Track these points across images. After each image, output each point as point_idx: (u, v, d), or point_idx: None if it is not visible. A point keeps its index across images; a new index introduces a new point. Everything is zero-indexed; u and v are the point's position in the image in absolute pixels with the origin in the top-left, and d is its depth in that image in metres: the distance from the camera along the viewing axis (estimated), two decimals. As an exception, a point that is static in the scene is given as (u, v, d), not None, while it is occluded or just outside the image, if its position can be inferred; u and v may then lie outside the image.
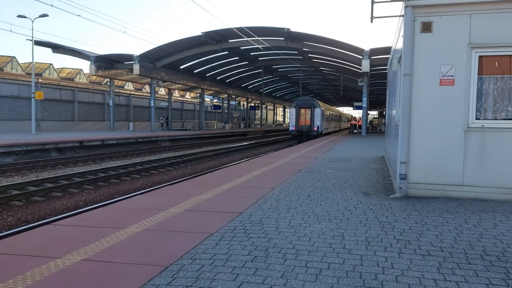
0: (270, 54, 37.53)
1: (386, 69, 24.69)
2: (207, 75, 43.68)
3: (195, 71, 41.36)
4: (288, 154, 14.34)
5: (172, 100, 48.11)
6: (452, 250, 3.78)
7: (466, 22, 6.02)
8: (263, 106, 69.10)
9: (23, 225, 7.59)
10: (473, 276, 3.15)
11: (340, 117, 50.92)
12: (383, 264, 3.41)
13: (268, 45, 32.15)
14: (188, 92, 62.96)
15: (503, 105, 6.06)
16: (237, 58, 39.18)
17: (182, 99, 60.28)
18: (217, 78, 46.17)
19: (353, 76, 39.36)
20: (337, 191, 6.87)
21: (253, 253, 3.67)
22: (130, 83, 56.97)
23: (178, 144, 28.63)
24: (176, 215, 5.08)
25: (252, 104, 64.06)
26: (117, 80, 39.90)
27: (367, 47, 30.52)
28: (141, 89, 60.63)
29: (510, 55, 5.96)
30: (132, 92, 49.44)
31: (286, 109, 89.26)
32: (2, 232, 6.96)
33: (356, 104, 37.57)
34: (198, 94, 50.05)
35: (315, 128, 30.52)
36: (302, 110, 31.01)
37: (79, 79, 57.34)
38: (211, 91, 49.53)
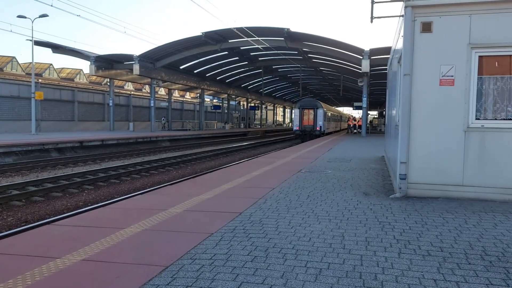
0: (270, 54, 37.55)
1: (386, 69, 24.69)
2: (207, 75, 43.68)
3: (195, 71, 41.36)
4: (288, 154, 14.34)
5: (172, 100, 48.12)
6: (452, 250, 3.78)
7: (466, 22, 6.03)
8: (263, 106, 69.08)
9: (23, 225, 7.59)
10: (473, 276, 3.15)
11: (340, 117, 52.41)
12: (383, 264, 3.41)
13: (268, 45, 32.16)
14: (188, 92, 62.98)
15: (503, 105, 6.06)
16: (237, 58, 39.18)
17: (182, 99, 60.28)
18: (217, 78, 46.17)
19: (353, 76, 39.37)
20: (337, 191, 6.87)
21: (253, 253, 3.67)
22: (130, 83, 56.97)
23: (178, 144, 28.64)
24: (176, 215, 5.08)
25: (252, 104, 64.07)
26: (117, 80, 39.89)
27: (367, 47, 30.59)
28: (141, 89, 60.64)
29: (510, 55, 5.96)
30: (132, 92, 49.45)
31: (286, 109, 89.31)
32: (2, 232, 6.96)
33: (356, 104, 37.59)
34: (198, 94, 50.06)
35: (318, 128, 32.01)
36: (306, 111, 32.58)
37: (79, 79, 57.35)
38: (211, 91, 49.54)
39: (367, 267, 3.33)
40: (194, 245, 3.89)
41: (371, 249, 3.79)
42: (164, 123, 44.16)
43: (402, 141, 6.34)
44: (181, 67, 38.96)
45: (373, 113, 64.36)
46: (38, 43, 31.80)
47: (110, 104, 36.74)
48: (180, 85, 43.02)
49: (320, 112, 32.23)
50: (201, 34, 30.45)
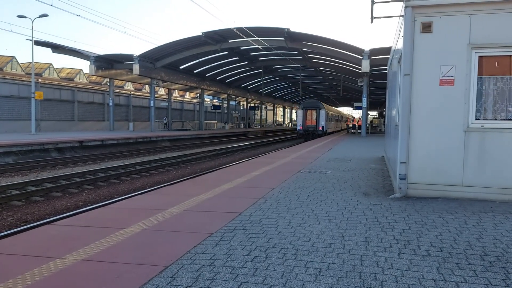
0: (270, 54, 37.56)
1: (386, 69, 24.70)
2: (207, 75, 43.68)
3: (195, 71, 41.36)
4: (287, 154, 14.35)
5: (172, 100, 48.12)
6: (451, 251, 3.78)
7: (466, 22, 6.03)
8: (263, 106, 69.08)
9: (23, 225, 7.59)
10: (472, 277, 3.15)
11: (341, 117, 53.71)
12: (383, 264, 3.41)
13: (268, 45, 32.17)
14: (188, 92, 62.98)
15: (503, 106, 6.07)
16: (237, 58, 39.19)
17: (182, 99, 60.28)
18: (217, 78, 46.17)
19: (353, 76, 39.39)
20: (337, 192, 6.87)
21: (252, 253, 3.67)
22: (130, 83, 56.96)
23: (177, 144, 28.63)
24: (176, 215, 5.08)
25: (252, 104, 64.07)
26: (117, 80, 39.89)
27: (367, 47, 30.59)
28: (141, 89, 60.63)
29: (510, 55, 5.96)
30: (132, 92, 49.44)
31: (286, 109, 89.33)
32: (2, 232, 6.95)
33: (356, 104, 37.62)
34: (198, 94, 50.06)
35: (320, 128, 33.91)
36: (309, 112, 34.52)
37: (79, 79, 57.34)
38: (211, 91, 49.54)
39: (367, 267, 3.33)
40: (194, 245, 3.89)
41: (371, 249, 3.79)
42: (166, 123, 44.20)
43: (402, 141, 6.34)
44: (181, 67, 38.96)
45: (373, 113, 64.39)
46: (38, 43, 31.81)
47: (110, 104, 36.73)
48: (180, 85, 43.02)
49: (322, 112, 34.01)
50: (201, 34, 30.46)
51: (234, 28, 28.58)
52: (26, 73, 45.11)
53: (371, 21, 14.24)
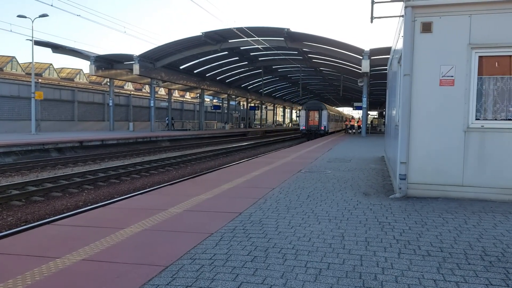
0: (270, 54, 37.56)
1: (386, 69, 24.70)
2: (207, 75, 43.67)
3: (195, 71, 41.36)
4: (288, 154, 14.35)
5: (172, 100, 48.12)
6: (451, 251, 3.78)
7: (466, 22, 6.03)
8: (263, 106, 69.08)
9: (23, 225, 7.59)
10: (472, 277, 3.15)
11: (342, 117, 55.64)
12: (383, 264, 3.41)
13: (268, 45, 32.17)
14: (188, 92, 62.98)
15: (503, 106, 6.07)
16: (237, 58, 39.18)
17: (182, 99, 60.27)
18: (217, 78, 46.16)
19: (353, 76, 39.39)
20: (337, 192, 6.87)
21: (253, 253, 3.67)
22: (130, 83, 56.96)
23: (178, 144, 28.64)
24: (176, 215, 5.09)
25: (252, 104, 64.06)
26: (117, 80, 39.87)
27: (367, 47, 30.61)
28: (141, 89, 60.63)
29: (510, 56, 5.96)
30: (132, 92, 49.44)
31: (286, 109, 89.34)
32: (2, 232, 6.95)
33: (356, 104, 37.67)
34: (198, 94, 50.06)
35: (322, 128, 35.52)
36: (311, 112, 36.14)
37: (79, 79, 57.34)
38: (211, 91, 49.54)
39: (367, 267, 3.33)
40: (194, 245, 3.89)
41: (371, 249, 3.79)
42: (168, 123, 44.30)
43: (402, 141, 6.34)
44: (181, 67, 38.95)
45: (373, 113, 64.38)
46: (38, 43, 31.81)
47: (110, 104, 36.73)
48: (180, 85, 43.01)
49: (324, 113, 35.59)
50: (201, 34, 30.45)
51: (234, 28, 28.58)
52: (26, 73, 45.12)
53: (371, 21, 14.25)
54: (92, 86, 45.97)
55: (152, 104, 36.83)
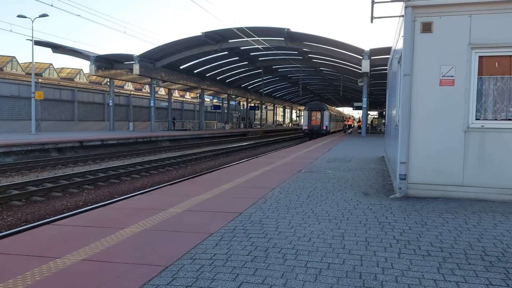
0: (270, 54, 37.58)
1: (386, 69, 24.70)
2: (207, 75, 43.67)
3: (195, 71, 41.35)
4: (288, 154, 14.35)
5: (172, 100, 48.11)
6: (452, 251, 3.78)
7: (466, 22, 6.03)
8: (263, 106, 69.07)
9: (23, 225, 7.59)
10: (473, 277, 3.15)
11: (342, 117, 56.73)
12: (383, 264, 3.41)
13: (268, 45, 32.17)
14: (188, 92, 62.97)
15: (503, 106, 6.06)
16: (237, 58, 39.18)
17: (182, 99, 60.26)
18: (217, 78, 46.16)
19: (353, 76, 39.40)
20: (337, 192, 6.87)
21: (253, 253, 3.67)
22: (130, 83, 56.97)
23: (178, 144, 28.63)
24: (176, 215, 5.08)
25: (252, 104, 64.06)
26: (117, 80, 39.88)
27: (367, 47, 30.62)
28: (141, 89, 60.62)
29: (510, 56, 5.96)
30: (132, 92, 49.42)
31: (286, 109, 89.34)
32: (2, 232, 6.95)
33: (356, 104, 37.74)
34: (198, 94, 50.06)
35: (324, 128, 36.94)
36: (313, 113, 37.53)
37: (79, 79, 57.34)
38: (211, 91, 49.54)
39: (367, 267, 3.33)
40: (194, 245, 3.89)
41: (371, 249, 3.79)
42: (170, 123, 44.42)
43: (402, 141, 6.34)
44: (181, 67, 38.95)
45: (373, 113, 64.38)
46: (38, 43, 31.80)
47: (110, 104, 36.73)
48: (180, 85, 43.01)
49: (326, 113, 37.04)
50: (201, 34, 30.45)
51: (234, 28, 28.58)
52: (26, 73, 45.11)
53: (371, 21, 14.24)
54: (92, 86, 45.95)
55: (152, 104, 36.83)
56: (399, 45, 7.40)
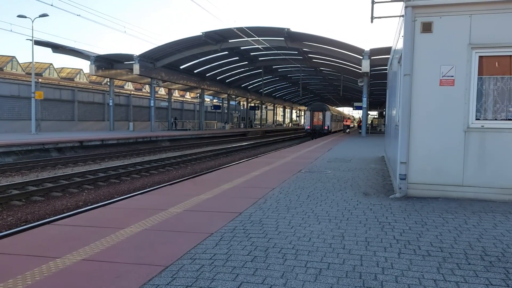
0: (270, 54, 37.57)
1: (386, 69, 24.70)
2: (207, 75, 43.67)
3: (195, 71, 41.35)
4: (288, 154, 14.35)
5: (172, 100, 48.12)
6: (452, 251, 3.78)
7: (466, 22, 6.03)
8: (263, 106, 69.05)
9: (23, 225, 7.59)
10: (473, 277, 3.15)
11: (343, 117, 57.21)
12: (383, 264, 3.41)
13: (268, 45, 32.16)
14: (188, 92, 62.97)
15: (503, 106, 6.06)
16: (237, 58, 39.18)
17: (182, 99, 60.26)
18: (217, 78, 46.16)
19: (353, 76, 39.42)
20: (337, 191, 6.87)
21: (253, 253, 3.67)
22: (130, 83, 56.96)
23: (178, 144, 28.63)
24: (176, 215, 5.09)
25: (252, 104, 64.05)
26: (117, 80, 39.88)
27: (367, 47, 30.61)
28: (141, 89, 60.62)
29: (510, 56, 5.96)
30: (132, 92, 49.42)
31: (286, 109, 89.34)
32: (2, 232, 6.95)
33: (356, 104, 37.74)
34: (198, 94, 50.06)
35: (326, 127, 38.39)
36: (315, 113, 39.09)
37: (79, 79, 57.33)
38: (211, 91, 49.53)
39: (367, 267, 3.33)
40: (194, 245, 3.89)
41: (371, 249, 3.79)
42: (172, 122, 44.49)
43: (402, 141, 6.34)
44: (181, 67, 38.95)
45: (373, 113, 64.40)
46: (38, 42, 31.80)
47: (110, 104, 36.73)
48: (180, 85, 43.01)
49: (327, 114, 38.53)
50: (201, 34, 30.44)
51: (234, 28, 28.58)
52: (26, 73, 45.11)
53: (371, 21, 14.25)
54: (92, 86, 45.95)
55: (152, 104, 36.83)
56: (399, 45, 7.40)
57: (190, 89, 48.86)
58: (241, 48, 35.26)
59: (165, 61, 34.79)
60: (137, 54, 32.79)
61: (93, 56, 33.57)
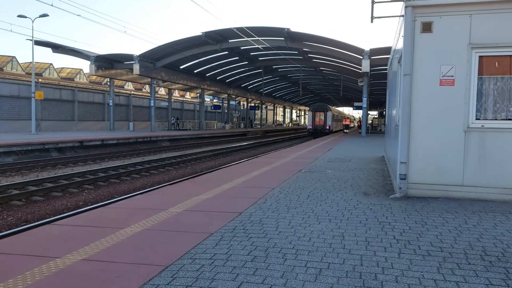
0: (270, 54, 37.57)
1: (386, 69, 24.70)
2: (207, 75, 43.66)
3: (195, 71, 41.35)
4: (288, 154, 14.34)
5: (172, 100, 48.12)
6: (452, 250, 3.78)
7: (466, 22, 6.03)
8: (263, 106, 69.04)
9: (23, 225, 7.59)
10: (473, 276, 3.15)
11: (343, 117, 58.44)
12: (383, 264, 3.41)
13: (268, 45, 32.16)
14: (188, 92, 62.97)
15: (503, 105, 6.06)
16: (237, 58, 39.17)
17: (182, 99, 60.26)
18: (217, 78, 46.16)
19: (353, 76, 39.43)
20: (337, 191, 6.87)
21: (253, 253, 3.67)
22: (130, 83, 56.96)
23: (178, 144, 28.63)
24: (176, 215, 5.08)
25: (252, 104, 64.05)
26: (117, 80, 39.88)
27: (367, 47, 30.65)
28: (141, 89, 60.62)
29: (510, 55, 5.96)
30: (132, 92, 49.43)
31: (286, 109, 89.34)
32: (2, 232, 6.95)
33: (356, 104, 37.74)
34: (198, 94, 50.06)
35: (327, 127, 39.62)
36: (317, 113, 40.39)
37: (79, 79, 57.34)
38: (211, 91, 49.53)
39: (367, 267, 3.33)
40: (194, 245, 3.89)
41: (371, 249, 3.79)
42: (174, 123, 44.50)
43: (402, 141, 6.34)
44: (181, 67, 38.95)
45: (373, 113, 64.41)
46: (38, 42, 31.80)
47: (110, 104, 36.73)
48: (180, 85, 43.01)
49: (329, 114, 39.87)
50: (201, 34, 30.44)
51: (234, 28, 28.58)
52: (26, 73, 45.12)
53: (371, 21, 14.25)
54: (92, 86, 45.96)
55: (152, 104, 36.83)
56: (399, 45, 7.40)
57: (190, 89, 48.86)
58: (241, 48, 35.26)
59: (165, 61, 34.79)
60: (137, 54, 32.79)
61: (93, 56, 33.57)
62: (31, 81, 27.94)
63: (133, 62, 32.91)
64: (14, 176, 13.28)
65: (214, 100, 65.50)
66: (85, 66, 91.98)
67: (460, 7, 6.03)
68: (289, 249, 3.77)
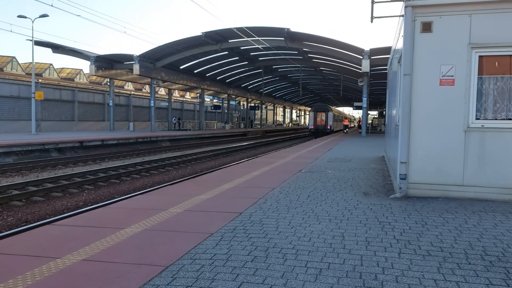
0: (270, 54, 37.58)
1: (386, 69, 24.69)
2: (207, 75, 43.67)
3: (195, 71, 41.35)
4: (288, 154, 14.34)
5: (172, 100, 48.13)
6: (452, 250, 3.78)
7: (466, 22, 6.03)
8: (263, 106, 69.03)
9: (23, 225, 7.59)
10: (473, 276, 3.15)
11: (343, 117, 58.26)
12: (383, 264, 3.41)
13: (268, 45, 32.16)
14: (188, 92, 62.97)
15: (503, 105, 6.06)
16: (237, 58, 39.18)
17: (182, 99, 60.26)
18: (217, 78, 46.16)
19: (353, 76, 39.44)
20: (337, 191, 6.87)
21: (253, 253, 3.67)
22: (130, 83, 56.95)
23: (178, 144, 28.63)
24: (176, 215, 5.08)
25: (252, 104, 64.05)
26: (117, 80, 39.88)
27: (367, 47, 30.67)
28: (141, 89, 60.63)
29: (510, 55, 5.96)
30: (132, 92, 49.44)
31: (286, 109, 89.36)
32: (2, 232, 6.96)
33: (356, 104, 37.76)
34: (198, 94, 50.07)
35: (328, 127, 40.39)
36: (318, 113, 41.16)
37: (79, 79, 57.34)
38: (211, 91, 49.54)
39: (367, 267, 3.33)
40: (194, 245, 3.89)
41: (371, 249, 3.79)
42: (175, 123, 44.49)
43: (402, 141, 6.34)
44: (181, 67, 38.95)
45: (373, 113, 64.41)
46: (38, 43, 31.81)
47: (110, 104, 36.73)
48: (180, 85, 43.02)
49: (330, 114, 40.67)
50: (201, 34, 30.45)
51: (234, 28, 28.58)
52: (26, 73, 45.14)
53: (371, 21, 14.26)
54: (92, 86, 45.98)
55: (152, 104, 36.83)
56: (399, 45, 7.40)
57: (190, 89, 48.86)
58: (241, 48, 35.26)
59: (165, 61, 34.80)
60: (137, 54, 32.80)
61: (93, 56, 33.58)
62: (31, 82, 27.94)
63: (133, 62, 32.92)
64: (14, 177, 13.28)
65: (214, 100, 65.50)
66: (85, 66, 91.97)
67: (459, 7, 6.03)
68: (289, 249, 3.77)
